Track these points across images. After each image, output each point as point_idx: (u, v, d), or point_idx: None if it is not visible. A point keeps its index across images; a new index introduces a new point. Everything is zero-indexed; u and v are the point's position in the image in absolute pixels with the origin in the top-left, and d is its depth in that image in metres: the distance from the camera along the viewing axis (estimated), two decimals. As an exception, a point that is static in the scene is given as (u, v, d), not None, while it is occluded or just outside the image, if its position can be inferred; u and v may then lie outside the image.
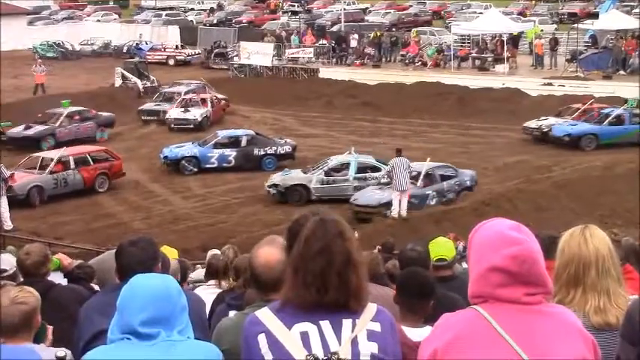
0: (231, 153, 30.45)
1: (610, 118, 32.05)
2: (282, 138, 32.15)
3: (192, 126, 36.12)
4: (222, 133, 31.90)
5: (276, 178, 27.10)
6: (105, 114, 36.86)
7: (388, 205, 24.22)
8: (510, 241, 2.96)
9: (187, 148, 30.88)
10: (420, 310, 4.83)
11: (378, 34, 50.59)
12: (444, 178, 25.88)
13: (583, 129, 32.17)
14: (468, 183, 26.33)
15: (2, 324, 4.22)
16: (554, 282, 3.89)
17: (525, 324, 2.93)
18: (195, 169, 30.15)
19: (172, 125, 36.53)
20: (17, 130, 33.94)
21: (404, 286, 4.92)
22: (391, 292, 5.14)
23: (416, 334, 4.60)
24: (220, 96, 40.64)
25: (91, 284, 7.46)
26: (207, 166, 30.25)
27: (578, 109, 33.71)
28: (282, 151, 30.69)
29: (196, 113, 36.85)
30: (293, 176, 27.03)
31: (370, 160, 27.41)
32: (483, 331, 2.92)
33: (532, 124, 33.68)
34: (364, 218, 23.83)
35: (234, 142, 30.98)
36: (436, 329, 3.08)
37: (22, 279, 6.40)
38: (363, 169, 26.78)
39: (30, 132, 33.79)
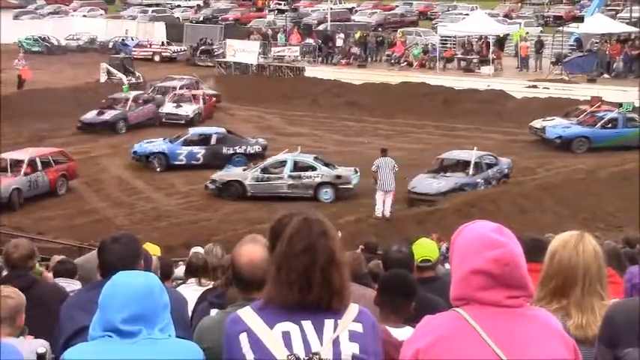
0: (199, 151, 30.42)
1: (602, 122, 31.95)
2: (254, 137, 32.14)
3: (183, 122, 35.97)
4: (193, 131, 31.85)
5: (217, 174, 27.38)
6: (160, 97, 38.01)
7: (445, 194, 24.98)
8: (493, 244, 2.96)
9: (156, 145, 30.88)
10: (402, 310, 4.83)
11: (363, 33, 50.58)
12: (488, 166, 26.75)
13: (575, 132, 32.04)
14: (506, 170, 27.37)
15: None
16: (540, 287, 3.88)
17: (507, 327, 2.93)
18: (164, 165, 30.09)
19: (164, 120, 36.55)
20: (91, 116, 35.12)
21: (387, 287, 4.93)
22: (373, 292, 5.14)
23: (398, 334, 4.60)
24: (211, 92, 40.64)
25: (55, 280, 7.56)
26: (176, 162, 30.24)
27: (585, 110, 33.55)
28: (252, 151, 30.66)
29: (189, 109, 36.90)
30: (231, 172, 27.50)
31: (309, 159, 27.51)
32: (465, 333, 2.92)
33: (537, 123, 33.63)
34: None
35: (203, 140, 30.96)
36: (418, 330, 3.08)
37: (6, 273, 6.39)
38: (301, 168, 26.96)
39: (106, 117, 35.16)
